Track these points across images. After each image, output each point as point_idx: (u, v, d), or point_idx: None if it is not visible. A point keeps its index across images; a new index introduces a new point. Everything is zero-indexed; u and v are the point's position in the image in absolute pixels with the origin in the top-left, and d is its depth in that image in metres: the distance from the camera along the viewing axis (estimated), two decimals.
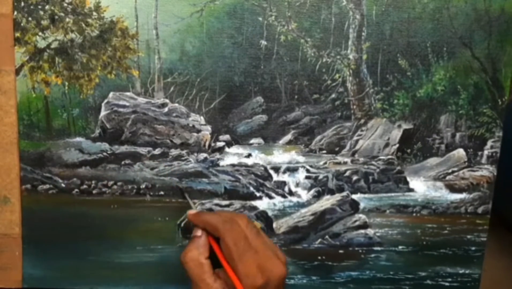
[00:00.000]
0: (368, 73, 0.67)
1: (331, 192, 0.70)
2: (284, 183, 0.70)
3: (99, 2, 0.63)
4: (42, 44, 0.64)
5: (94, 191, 0.68)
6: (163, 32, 0.65)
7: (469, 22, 0.66)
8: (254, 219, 0.69)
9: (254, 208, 0.70)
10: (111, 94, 0.66)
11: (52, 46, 0.64)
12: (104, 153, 0.68)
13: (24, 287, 0.70)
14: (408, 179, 0.71)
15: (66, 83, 0.65)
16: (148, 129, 0.68)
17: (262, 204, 0.70)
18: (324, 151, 0.70)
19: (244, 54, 0.66)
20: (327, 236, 0.71)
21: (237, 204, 0.69)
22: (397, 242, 0.72)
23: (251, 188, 0.69)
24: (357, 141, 0.70)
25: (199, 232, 0.58)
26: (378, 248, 0.71)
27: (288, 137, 0.69)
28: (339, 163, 0.70)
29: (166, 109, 0.67)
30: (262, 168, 0.70)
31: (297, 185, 0.70)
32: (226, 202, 0.69)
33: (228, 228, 0.55)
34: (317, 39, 0.66)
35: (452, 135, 0.70)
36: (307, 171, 0.70)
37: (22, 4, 0.63)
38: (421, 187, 0.71)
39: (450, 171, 0.71)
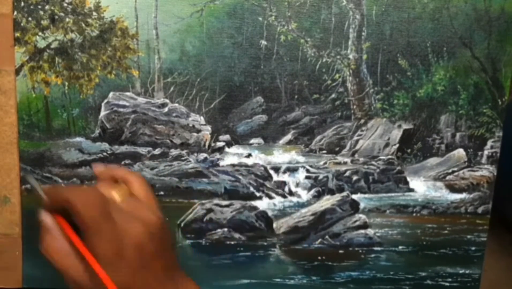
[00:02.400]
0: (368, 73, 0.67)
1: (331, 192, 0.70)
2: (284, 183, 0.70)
3: (99, 2, 0.63)
4: (42, 44, 0.64)
5: None
6: (163, 32, 0.65)
7: (469, 22, 0.66)
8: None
9: (254, 208, 0.69)
10: (111, 94, 0.66)
11: (52, 46, 0.64)
12: (104, 153, 0.67)
13: (24, 287, 0.70)
14: (408, 179, 0.71)
15: (66, 83, 0.65)
16: (148, 129, 0.68)
17: (262, 204, 0.70)
18: (324, 151, 0.70)
19: (244, 54, 0.66)
20: (327, 236, 0.71)
21: (237, 204, 0.69)
22: (397, 242, 0.71)
23: (251, 188, 0.69)
24: (357, 141, 0.70)
25: (44, 216, 0.51)
26: (378, 248, 0.71)
27: (288, 137, 0.69)
28: (339, 163, 0.70)
29: (166, 109, 0.67)
30: (262, 168, 0.70)
31: (297, 185, 0.70)
32: (226, 202, 0.69)
33: (78, 195, 0.48)
34: (317, 39, 0.66)
35: (452, 135, 0.70)
36: (307, 171, 0.70)
37: (22, 4, 0.63)
38: (421, 187, 0.71)
39: (450, 171, 0.71)
